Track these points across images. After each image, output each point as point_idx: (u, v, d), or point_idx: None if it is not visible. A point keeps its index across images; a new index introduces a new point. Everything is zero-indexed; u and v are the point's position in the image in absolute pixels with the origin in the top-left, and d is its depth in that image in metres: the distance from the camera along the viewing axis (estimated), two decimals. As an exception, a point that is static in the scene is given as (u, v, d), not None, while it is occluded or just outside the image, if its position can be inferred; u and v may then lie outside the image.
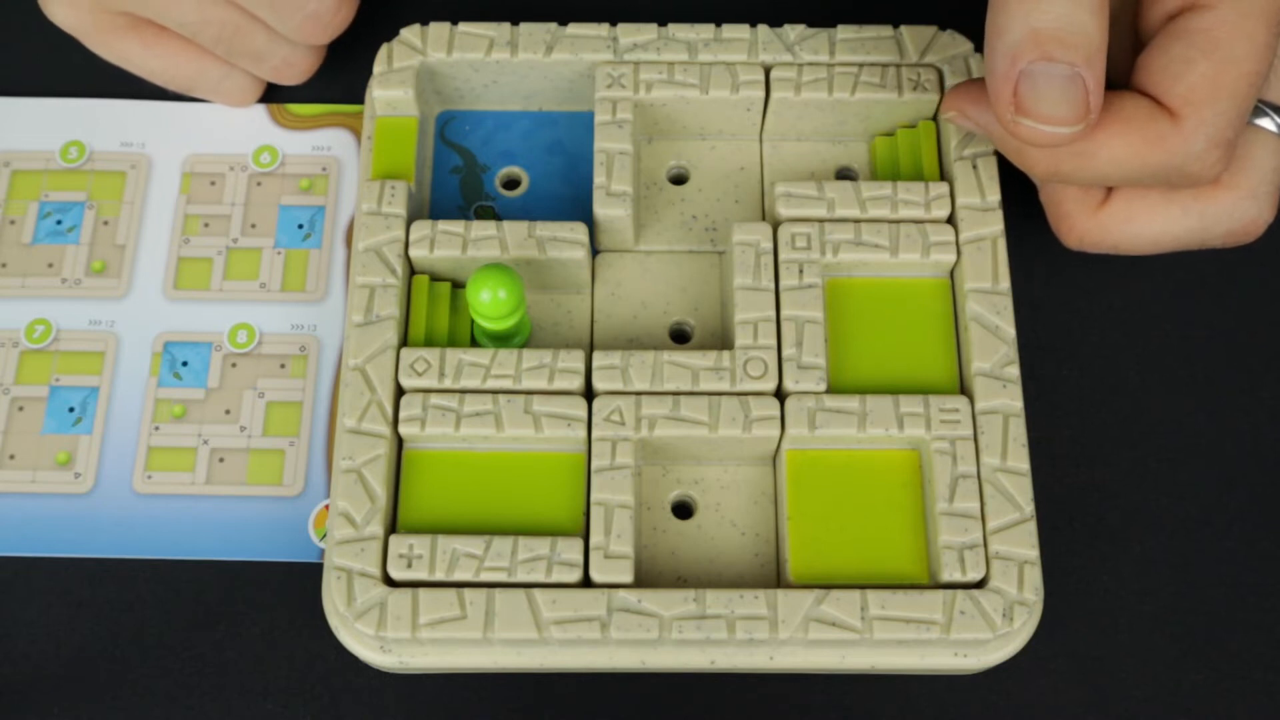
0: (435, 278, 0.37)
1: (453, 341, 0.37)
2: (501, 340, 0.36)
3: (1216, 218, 0.35)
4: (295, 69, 0.41)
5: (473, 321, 0.37)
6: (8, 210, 0.41)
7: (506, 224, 0.37)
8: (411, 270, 0.37)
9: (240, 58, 0.40)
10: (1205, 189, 0.34)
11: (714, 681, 0.36)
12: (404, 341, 0.36)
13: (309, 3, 0.38)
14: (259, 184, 0.41)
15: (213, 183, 0.41)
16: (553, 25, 0.39)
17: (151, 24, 0.40)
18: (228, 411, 0.39)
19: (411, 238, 0.37)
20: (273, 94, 0.43)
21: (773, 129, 0.39)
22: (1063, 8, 0.31)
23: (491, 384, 0.35)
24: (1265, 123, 0.34)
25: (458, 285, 0.38)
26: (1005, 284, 0.36)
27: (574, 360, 0.35)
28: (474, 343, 0.37)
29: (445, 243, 0.37)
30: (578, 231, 0.37)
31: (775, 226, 0.37)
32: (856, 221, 0.37)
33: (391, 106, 0.39)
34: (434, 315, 0.37)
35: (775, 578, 0.35)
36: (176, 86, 0.41)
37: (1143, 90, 0.33)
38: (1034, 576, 0.33)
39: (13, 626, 0.37)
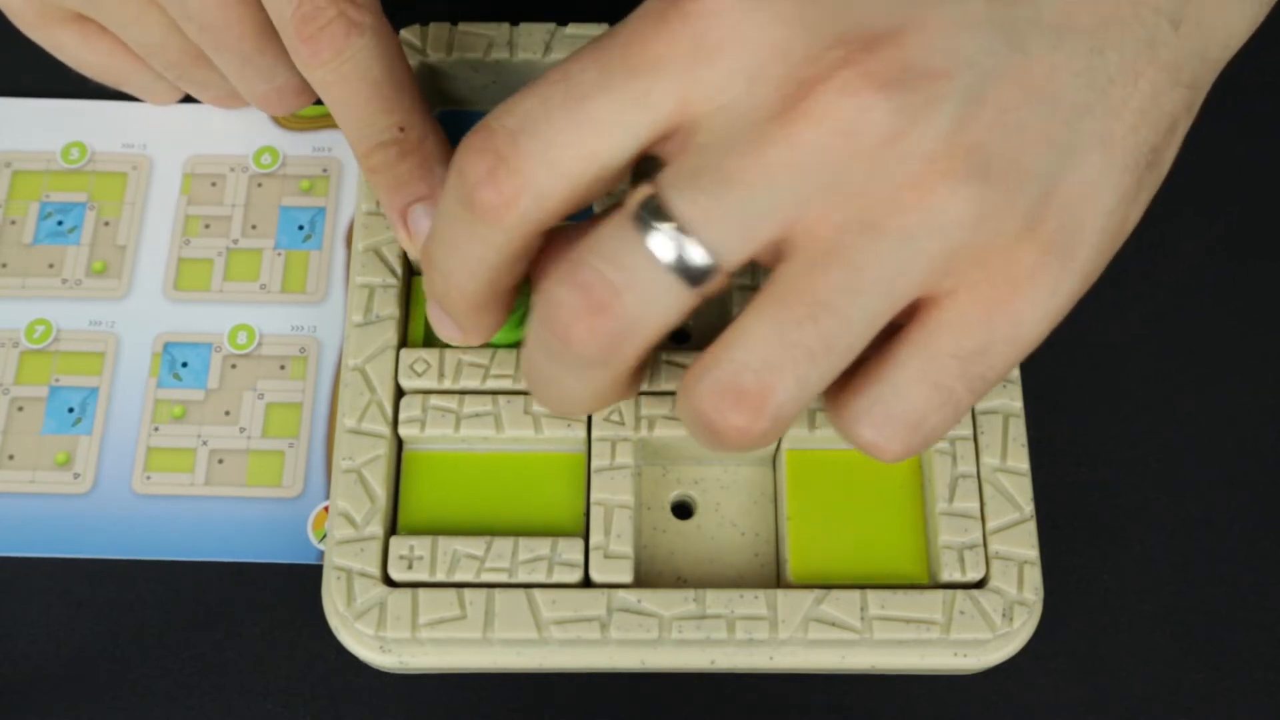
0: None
1: (452, 341, 0.37)
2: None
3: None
4: (240, 102, 0.41)
5: None
6: (8, 210, 0.41)
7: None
8: (411, 270, 0.37)
9: (187, 82, 0.40)
10: None
11: (714, 681, 0.36)
12: (404, 342, 0.36)
13: (277, 77, 0.38)
14: (260, 185, 0.41)
15: (213, 184, 0.41)
16: (552, 25, 0.39)
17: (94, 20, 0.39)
18: (227, 413, 0.39)
19: (411, 235, 0.37)
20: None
21: (772, 129, 0.39)
22: None
23: (491, 384, 0.35)
24: None
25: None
26: (1005, 284, 0.36)
27: (573, 356, 0.35)
28: None
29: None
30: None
31: (775, 227, 0.37)
32: (856, 221, 0.37)
33: (391, 107, 0.39)
34: (434, 314, 0.37)
35: (775, 578, 0.35)
36: (105, 80, 0.41)
37: None
38: (1034, 576, 0.33)
39: (13, 626, 0.37)
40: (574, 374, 0.28)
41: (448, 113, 0.40)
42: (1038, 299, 0.27)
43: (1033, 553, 0.34)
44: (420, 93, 0.35)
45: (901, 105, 0.25)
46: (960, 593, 0.33)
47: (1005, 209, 0.26)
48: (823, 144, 0.26)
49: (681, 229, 0.26)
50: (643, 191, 0.27)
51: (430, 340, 0.37)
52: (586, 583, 0.34)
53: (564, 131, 0.27)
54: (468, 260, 0.29)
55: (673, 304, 0.27)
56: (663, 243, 0.26)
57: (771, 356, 0.26)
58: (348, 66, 0.33)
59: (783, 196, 0.26)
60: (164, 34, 0.37)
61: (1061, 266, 0.27)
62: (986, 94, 0.26)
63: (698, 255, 0.26)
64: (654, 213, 0.26)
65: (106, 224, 0.41)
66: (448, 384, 0.35)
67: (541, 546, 0.34)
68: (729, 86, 0.26)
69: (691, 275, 0.26)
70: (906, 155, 0.26)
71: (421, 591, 0.33)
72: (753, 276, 0.36)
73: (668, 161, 0.27)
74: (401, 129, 0.34)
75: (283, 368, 0.39)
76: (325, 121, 0.42)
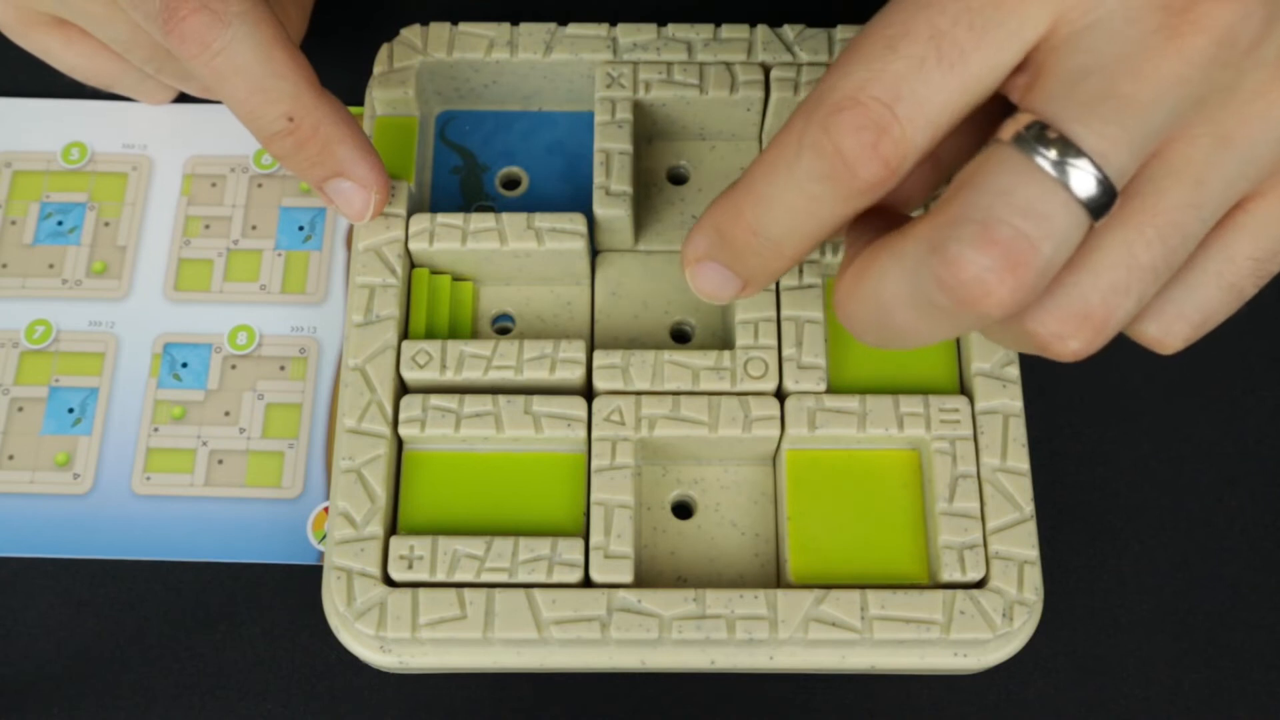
0: (435, 271, 0.37)
1: (453, 334, 0.37)
2: None
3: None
4: None
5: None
6: (9, 211, 0.41)
7: (505, 215, 0.37)
8: (411, 264, 0.37)
9: (168, 77, 0.40)
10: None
11: (714, 681, 0.36)
12: (405, 335, 0.36)
13: None
14: (260, 185, 0.41)
15: (214, 184, 0.41)
16: (553, 25, 0.39)
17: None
18: (227, 413, 0.39)
19: (411, 231, 0.37)
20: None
21: (773, 129, 0.39)
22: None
23: (493, 375, 0.35)
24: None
25: (457, 279, 0.38)
26: (1005, 284, 0.36)
27: (575, 350, 0.35)
28: (474, 335, 0.37)
29: (444, 235, 0.37)
30: (576, 222, 0.37)
31: (775, 227, 0.37)
32: (856, 222, 0.37)
33: (391, 106, 0.39)
34: (434, 308, 0.37)
35: (775, 578, 0.35)
36: (96, 83, 0.41)
37: None
38: (1034, 576, 0.33)
39: (13, 626, 0.37)
40: (960, 329, 0.27)
41: (448, 113, 0.41)
42: None
43: (1033, 553, 0.34)
44: (311, 76, 0.34)
45: (1271, 10, 0.26)
46: (960, 593, 0.33)
47: None
48: (1208, 54, 0.25)
49: (1083, 159, 0.25)
50: (1019, 123, 0.25)
51: (431, 333, 0.37)
52: (586, 583, 0.34)
53: (944, 90, 0.26)
54: (818, 227, 0.28)
55: (1076, 242, 0.26)
56: (1083, 180, 0.25)
57: (1119, 280, 0.26)
58: (219, 60, 0.32)
59: (1170, 113, 0.26)
60: (131, 28, 0.37)
61: None
62: None
63: (1107, 186, 0.25)
64: (1043, 144, 0.25)
65: (107, 224, 0.41)
66: (449, 375, 0.35)
67: (541, 546, 0.34)
68: (1100, 3, 0.26)
69: (1100, 207, 0.25)
70: (1260, 62, 0.26)
71: (421, 591, 0.33)
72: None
73: (1033, 81, 0.26)
74: (291, 119, 0.33)
75: (282, 368, 0.39)
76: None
